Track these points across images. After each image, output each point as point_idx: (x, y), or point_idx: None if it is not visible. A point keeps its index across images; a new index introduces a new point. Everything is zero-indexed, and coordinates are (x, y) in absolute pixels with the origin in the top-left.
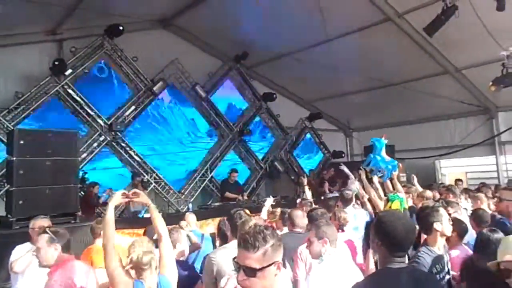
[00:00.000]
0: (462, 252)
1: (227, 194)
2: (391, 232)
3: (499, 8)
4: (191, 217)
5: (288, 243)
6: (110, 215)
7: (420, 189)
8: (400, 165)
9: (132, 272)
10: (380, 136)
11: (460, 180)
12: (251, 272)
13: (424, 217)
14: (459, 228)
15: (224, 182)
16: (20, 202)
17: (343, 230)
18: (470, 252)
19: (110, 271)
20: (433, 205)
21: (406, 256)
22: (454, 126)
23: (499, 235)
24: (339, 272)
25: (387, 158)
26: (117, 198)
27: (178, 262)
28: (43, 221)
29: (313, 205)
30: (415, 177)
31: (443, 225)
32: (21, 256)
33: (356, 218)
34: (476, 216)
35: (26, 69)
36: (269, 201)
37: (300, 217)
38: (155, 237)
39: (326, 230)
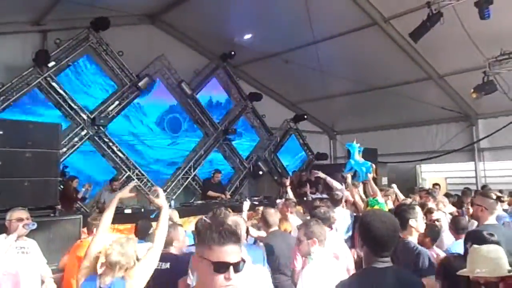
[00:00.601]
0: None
1: (210, 193)
2: (372, 232)
3: (481, 16)
4: (173, 214)
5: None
6: (113, 207)
7: (401, 195)
8: (374, 166)
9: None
10: (354, 140)
11: (438, 184)
12: (241, 265)
13: (400, 214)
14: (432, 232)
15: (206, 181)
16: None
17: (331, 228)
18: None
19: (88, 252)
20: (410, 203)
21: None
22: (436, 132)
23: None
24: (328, 271)
25: (361, 160)
26: (126, 192)
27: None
28: (20, 213)
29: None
30: (395, 186)
31: (418, 222)
32: None
33: (345, 218)
34: (454, 222)
35: (8, 59)
36: (246, 204)
37: (273, 215)
38: (150, 231)
39: (315, 230)
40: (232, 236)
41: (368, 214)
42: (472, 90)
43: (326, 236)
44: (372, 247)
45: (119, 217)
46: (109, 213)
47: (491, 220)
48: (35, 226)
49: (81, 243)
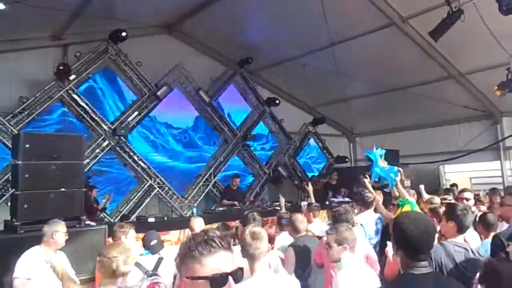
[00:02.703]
0: None
1: (224, 202)
2: (405, 234)
3: (502, 11)
4: (197, 221)
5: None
6: None
7: (425, 195)
8: (401, 170)
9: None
10: (373, 147)
11: (455, 184)
12: (240, 275)
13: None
14: None
15: (226, 188)
16: (25, 206)
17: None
18: None
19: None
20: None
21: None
22: (459, 131)
23: None
24: (361, 278)
25: (386, 166)
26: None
27: None
28: (64, 225)
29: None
30: (422, 187)
31: None
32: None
33: (374, 222)
34: (484, 221)
35: (30, 74)
36: (282, 200)
37: (302, 222)
38: (152, 243)
39: (347, 236)
40: (222, 242)
41: (401, 216)
42: (495, 88)
43: (357, 242)
44: (407, 250)
45: (142, 226)
46: None
47: None
48: None
49: None
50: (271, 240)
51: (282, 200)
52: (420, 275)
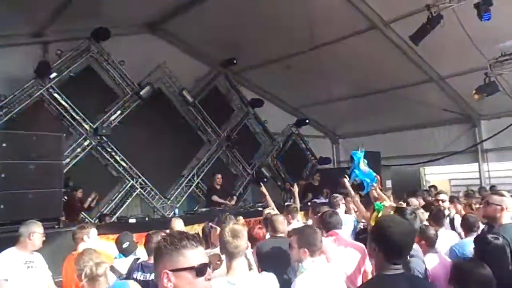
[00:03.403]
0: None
1: (215, 197)
2: (388, 235)
3: (480, 18)
4: (178, 222)
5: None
6: None
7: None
8: (379, 177)
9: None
10: (359, 148)
11: (434, 186)
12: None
13: None
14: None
15: (210, 187)
16: (2, 206)
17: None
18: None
19: None
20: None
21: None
22: (438, 134)
23: (499, 241)
24: (321, 284)
25: (366, 170)
26: None
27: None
28: (41, 227)
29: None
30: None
31: None
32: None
33: (348, 223)
34: (465, 222)
35: (10, 71)
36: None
37: (282, 223)
38: (124, 245)
39: (310, 240)
40: (199, 238)
41: (386, 218)
42: (474, 92)
43: (322, 246)
44: (387, 251)
45: (124, 227)
46: None
47: (509, 219)
48: None
49: (72, 256)
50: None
51: (270, 200)
52: (393, 275)
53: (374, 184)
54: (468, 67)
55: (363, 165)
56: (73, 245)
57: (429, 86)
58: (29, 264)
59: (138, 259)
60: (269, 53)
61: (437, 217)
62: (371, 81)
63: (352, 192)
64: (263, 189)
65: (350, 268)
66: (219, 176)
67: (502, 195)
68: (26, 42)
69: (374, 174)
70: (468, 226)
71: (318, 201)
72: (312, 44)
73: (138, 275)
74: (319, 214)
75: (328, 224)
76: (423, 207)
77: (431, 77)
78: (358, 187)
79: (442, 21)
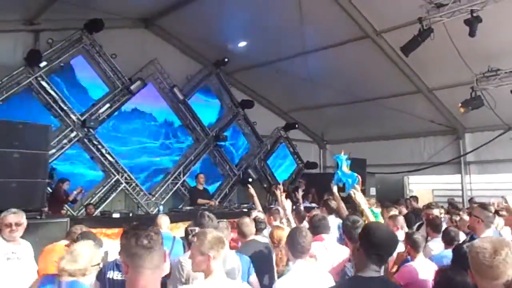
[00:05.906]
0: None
1: (199, 200)
2: (375, 238)
3: (471, 34)
4: (164, 219)
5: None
6: None
7: None
8: (359, 177)
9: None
10: (341, 152)
11: (415, 196)
12: None
13: None
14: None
15: (193, 189)
16: None
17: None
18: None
19: None
20: None
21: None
22: (424, 144)
23: None
24: (307, 283)
25: (347, 172)
26: None
27: None
28: (11, 217)
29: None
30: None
31: None
32: None
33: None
34: (445, 234)
35: None
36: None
37: (247, 225)
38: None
39: (293, 242)
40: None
41: (374, 223)
42: (460, 105)
43: (307, 248)
44: (370, 252)
45: (107, 222)
46: None
47: (487, 233)
48: None
49: (53, 247)
50: None
51: (257, 202)
52: (367, 278)
53: (356, 185)
54: (455, 81)
55: (345, 167)
56: (56, 237)
57: (417, 97)
58: (10, 255)
59: (107, 252)
60: (260, 56)
61: (434, 224)
62: (360, 89)
63: (339, 197)
64: (252, 190)
65: (336, 271)
66: (202, 175)
67: (485, 209)
68: (17, 29)
69: (356, 175)
70: (446, 240)
71: (303, 205)
72: (302, 50)
73: (114, 274)
74: (306, 218)
75: (316, 229)
76: (406, 215)
77: (419, 88)
78: (343, 189)
79: (433, 34)
